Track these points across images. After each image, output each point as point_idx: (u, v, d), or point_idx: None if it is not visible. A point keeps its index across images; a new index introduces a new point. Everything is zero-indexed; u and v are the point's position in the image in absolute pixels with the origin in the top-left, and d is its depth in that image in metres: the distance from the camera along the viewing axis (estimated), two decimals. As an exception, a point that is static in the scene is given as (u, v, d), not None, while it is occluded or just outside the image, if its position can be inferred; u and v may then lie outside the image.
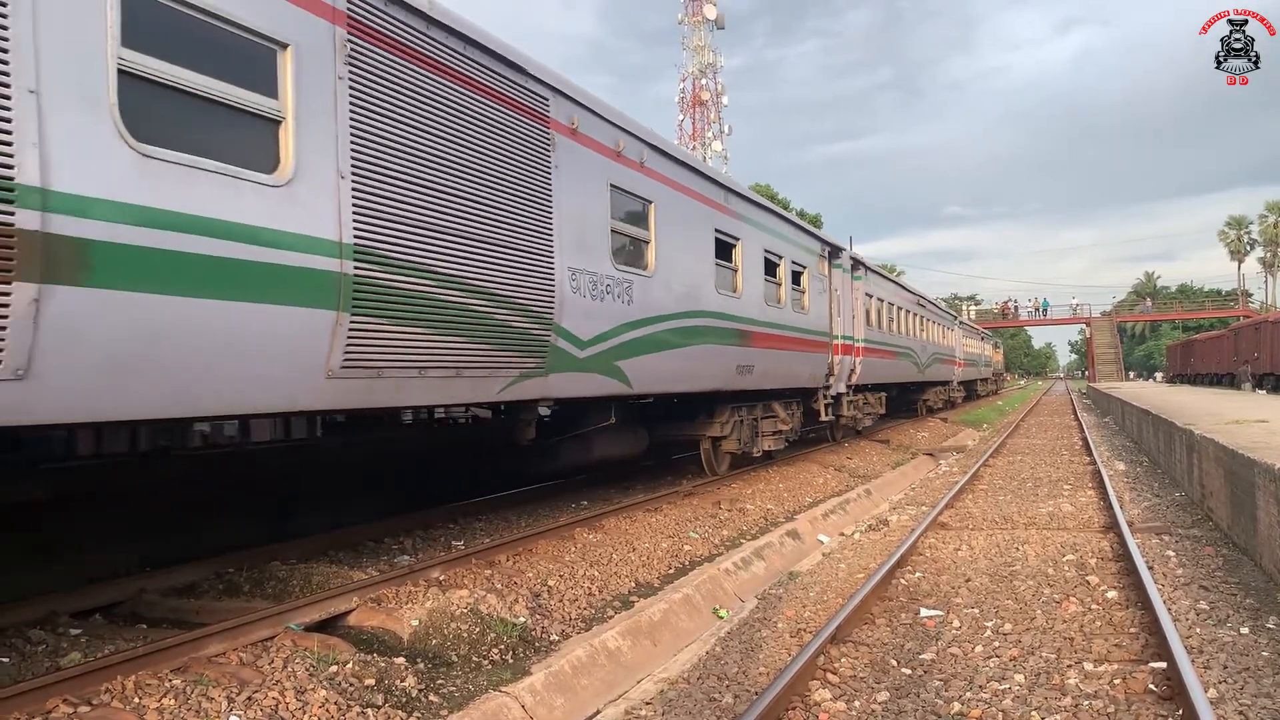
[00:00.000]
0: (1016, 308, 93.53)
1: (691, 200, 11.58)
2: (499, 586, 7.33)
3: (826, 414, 18.10)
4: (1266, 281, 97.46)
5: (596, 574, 8.30)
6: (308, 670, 5.27)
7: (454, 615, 6.51)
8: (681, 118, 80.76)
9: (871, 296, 21.34)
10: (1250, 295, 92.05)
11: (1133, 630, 6.90)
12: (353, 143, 5.99)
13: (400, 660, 5.75)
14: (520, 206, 7.80)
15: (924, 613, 7.59)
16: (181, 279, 4.86)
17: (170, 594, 6.96)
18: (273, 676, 5.14)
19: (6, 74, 4.10)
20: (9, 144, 4.10)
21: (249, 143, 5.43)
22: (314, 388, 5.91)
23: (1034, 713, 5.39)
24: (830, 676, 6.06)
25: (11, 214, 4.07)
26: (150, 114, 4.79)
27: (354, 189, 5.96)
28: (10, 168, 4.08)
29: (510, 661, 6.16)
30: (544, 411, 9.51)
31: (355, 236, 5.93)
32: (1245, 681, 5.75)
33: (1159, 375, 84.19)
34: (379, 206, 6.16)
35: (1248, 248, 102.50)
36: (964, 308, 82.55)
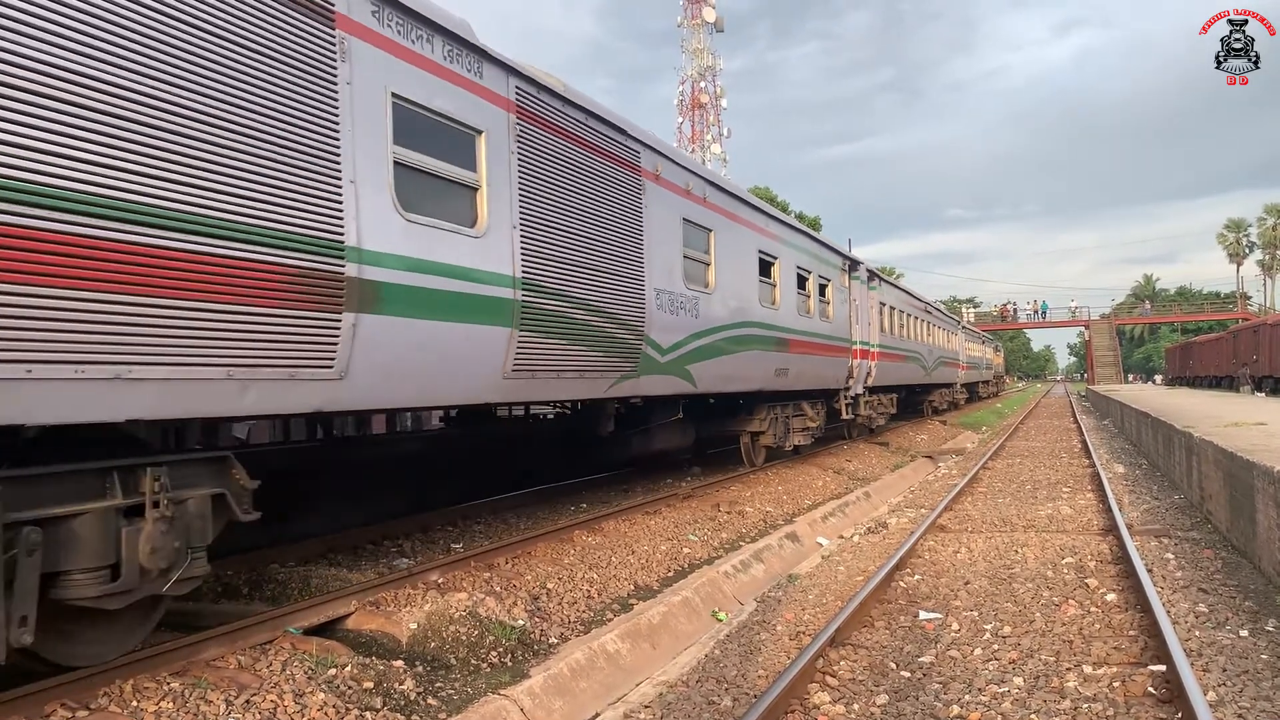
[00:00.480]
0: (1015, 310, 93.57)
1: (741, 226, 13.43)
2: (498, 589, 7.33)
3: (847, 413, 19.74)
4: (1265, 284, 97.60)
5: (595, 577, 8.30)
6: (306, 673, 5.26)
7: (453, 618, 6.51)
8: (680, 120, 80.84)
9: (884, 305, 22.83)
10: (1249, 298, 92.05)
11: (1132, 633, 6.90)
12: (519, 200, 7.84)
13: (399, 663, 5.74)
14: (622, 240, 9.63)
15: (923, 615, 7.58)
16: (430, 307, 6.69)
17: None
18: (271, 680, 5.14)
19: (339, 173, 5.89)
20: (341, 219, 5.87)
21: (460, 206, 7.24)
22: (495, 386, 7.76)
23: (1033, 716, 5.39)
24: (829, 679, 6.06)
25: (343, 266, 5.86)
26: (409, 190, 6.56)
27: (521, 236, 7.82)
28: (342, 235, 5.87)
29: (509, 664, 6.16)
30: (636, 401, 11.57)
31: (522, 271, 7.76)
32: (1244, 684, 5.75)
33: (1158, 378, 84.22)
34: (536, 248, 7.99)
35: (1246, 250, 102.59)
36: (963, 310, 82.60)
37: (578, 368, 8.85)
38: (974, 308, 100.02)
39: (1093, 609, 7.62)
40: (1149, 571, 8.46)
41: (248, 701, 4.86)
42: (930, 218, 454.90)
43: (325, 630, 6.29)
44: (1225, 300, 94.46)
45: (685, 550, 9.78)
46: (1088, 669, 6.14)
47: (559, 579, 8.02)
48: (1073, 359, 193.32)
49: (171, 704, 4.75)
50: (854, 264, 20.10)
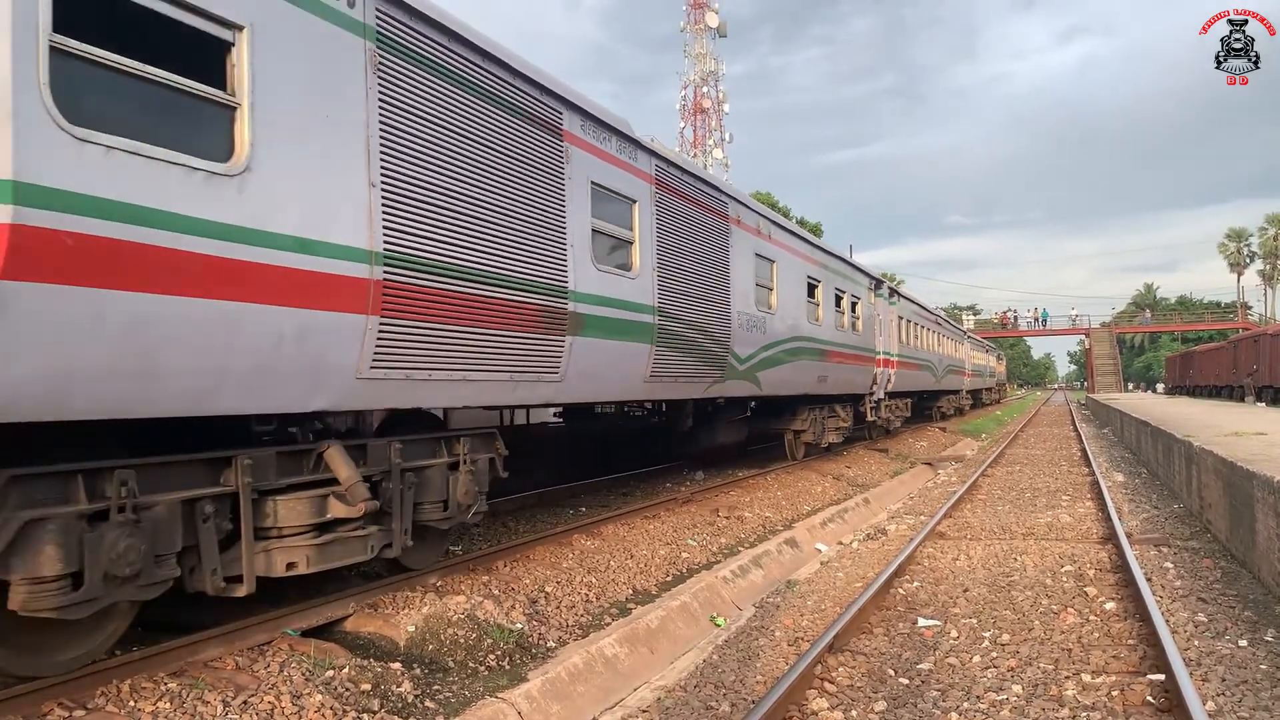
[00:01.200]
0: (1016, 318, 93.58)
1: (795, 257, 15.86)
2: (496, 593, 7.32)
3: (871, 415, 22.15)
4: (1266, 294, 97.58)
5: (594, 581, 8.29)
6: (304, 675, 5.26)
7: (451, 621, 6.50)
8: (682, 125, 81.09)
9: (901, 318, 25.18)
10: (1249, 308, 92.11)
11: (1131, 642, 6.89)
12: (657, 249, 10.30)
13: (397, 666, 5.73)
14: (718, 274, 12.10)
15: (922, 622, 7.57)
16: (608, 330, 9.11)
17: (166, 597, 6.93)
18: (269, 681, 5.14)
19: (565, 240, 8.28)
20: (566, 271, 8.26)
21: (623, 256, 9.69)
22: (639, 387, 10.34)
23: (1031, 724, 5.38)
24: (828, 686, 6.05)
25: (566, 304, 8.26)
26: (598, 247, 8.96)
27: (657, 275, 10.27)
28: (566, 282, 8.27)
29: (507, 668, 6.15)
30: (720, 401, 14.35)
31: (658, 301, 10.21)
32: (1243, 694, 5.74)
33: (1159, 386, 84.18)
34: (666, 283, 10.47)
35: (1247, 260, 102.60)
36: (963, 317, 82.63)
37: (689, 374, 11.29)
38: (974, 315, 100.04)
39: (1092, 617, 7.62)
40: (1148, 580, 8.45)
41: (245, 703, 4.86)
42: (932, 224, 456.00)
43: (323, 632, 6.29)
44: (1226, 310, 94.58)
45: (684, 555, 9.77)
46: (1087, 677, 6.14)
47: (557, 583, 8.01)
48: (1073, 367, 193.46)
49: (169, 704, 4.75)
50: (878, 283, 22.71)
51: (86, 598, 4.64)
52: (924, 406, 35.28)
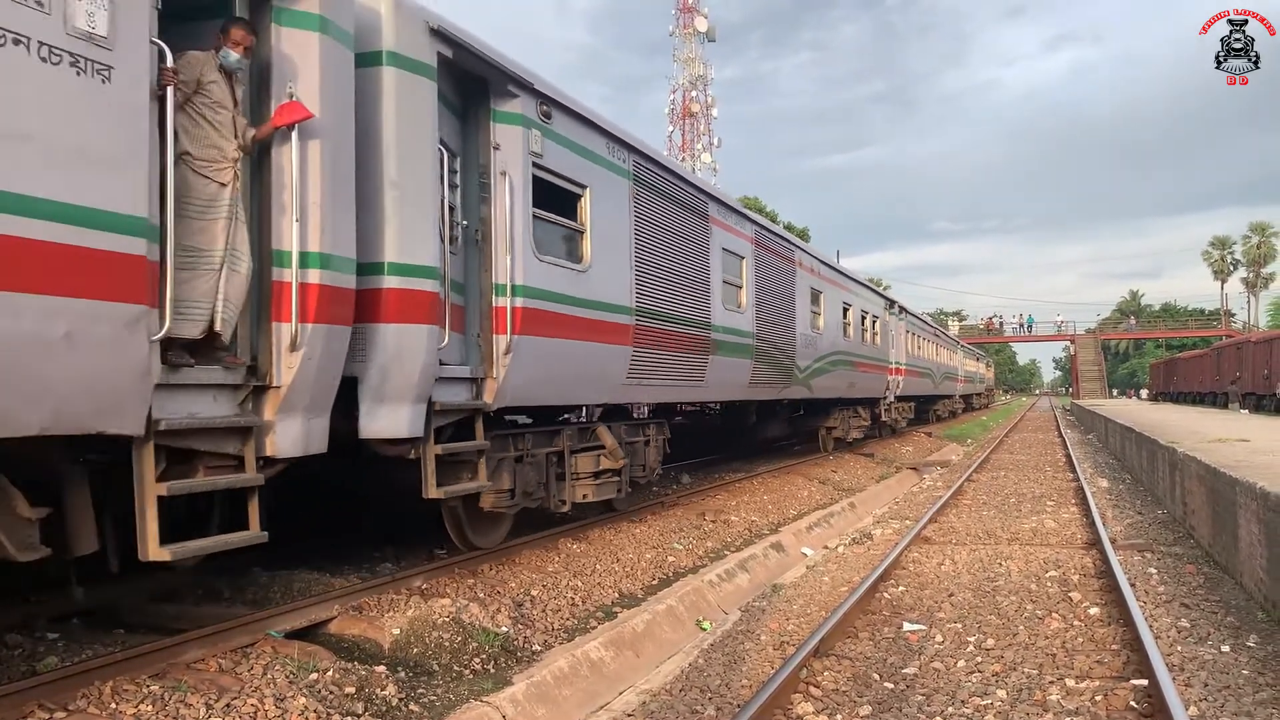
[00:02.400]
0: (1001, 323, 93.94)
1: (836, 287, 20.02)
2: (482, 596, 7.30)
3: (885, 415, 26.34)
4: (1249, 301, 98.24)
5: (580, 584, 8.28)
6: (287, 677, 5.23)
7: (436, 624, 6.47)
8: (671, 129, 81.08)
9: (908, 331, 29.30)
10: (1233, 315, 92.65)
11: (1114, 647, 6.92)
12: (755, 290, 14.17)
13: (381, 669, 5.70)
14: (787, 307, 16.00)
15: (907, 627, 7.59)
16: (729, 350, 12.74)
17: (149, 599, 6.89)
18: (252, 683, 5.10)
19: (709, 289, 12.14)
20: (709, 313, 12.04)
21: (737, 297, 13.52)
22: (743, 391, 14.35)
23: (1016, 729, 5.40)
24: (813, 690, 6.05)
25: (709, 334, 12.02)
26: (725, 293, 12.70)
27: (755, 310, 14.07)
28: (709, 318, 11.98)
29: (492, 671, 6.13)
30: (785, 402, 18.51)
31: (756, 328, 14.06)
32: (1226, 700, 5.77)
33: (1144, 393, 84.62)
34: (761, 315, 14.34)
35: (1231, 268, 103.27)
36: (949, 323, 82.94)
37: (771, 380, 15.21)
38: (960, 320, 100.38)
39: (1076, 622, 7.64)
40: (1132, 586, 8.48)
41: (228, 705, 4.82)
42: (919, 230, 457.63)
43: (307, 634, 6.24)
44: (1209, 317, 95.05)
45: (670, 559, 9.76)
46: (1070, 682, 6.16)
47: (543, 586, 7.99)
48: (1057, 373, 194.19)
49: (151, 706, 4.71)
50: (891, 302, 27.12)
51: (515, 502, 8.22)
52: (922, 409, 37.31)
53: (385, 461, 7.04)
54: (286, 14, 5.67)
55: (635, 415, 11.65)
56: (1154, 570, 9.63)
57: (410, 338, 6.57)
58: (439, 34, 6.85)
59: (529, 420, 9.31)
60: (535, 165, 8.12)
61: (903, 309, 28.91)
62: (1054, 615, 7.84)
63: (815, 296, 17.92)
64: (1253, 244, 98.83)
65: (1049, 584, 9.05)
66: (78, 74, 4.30)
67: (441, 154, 7.02)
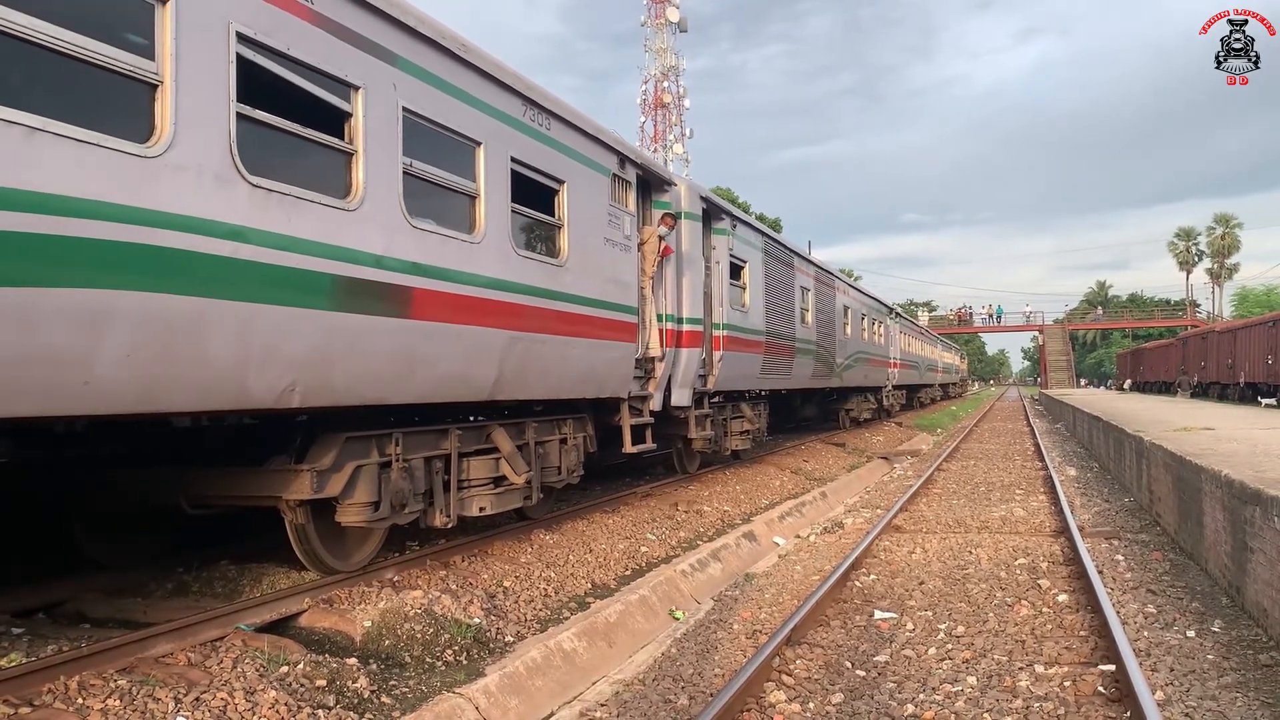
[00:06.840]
0: (971, 314, 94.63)
1: (857, 301, 25.77)
2: (454, 587, 7.26)
3: (886, 401, 31.91)
4: (1214, 292, 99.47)
5: (553, 575, 8.26)
6: (258, 671, 5.18)
7: (408, 616, 6.44)
8: (643, 120, 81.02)
9: (901, 332, 35.32)
10: (1198, 305, 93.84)
11: (1083, 633, 7.00)
12: (816, 310, 19.91)
13: (353, 661, 5.66)
14: (831, 319, 21.47)
15: (878, 615, 7.64)
16: (803, 353, 18.85)
17: (116, 593, 6.81)
18: (222, 677, 5.05)
19: (794, 315, 18.40)
20: (794, 327, 18.24)
21: (804, 315, 19.11)
22: (808, 382, 20.20)
23: (986, 714, 5.45)
24: (785, 678, 6.08)
25: (795, 343, 18.08)
26: (799, 319, 18.75)
27: (816, 324, 19.81)
28: (795, 333, 18.26)
29: (464, 662, 6.11)
30: (824, 389, 23.86)
31: (816, 337, 19.74)
32: (1191, 684, 5.86)
33: (1112, 383, 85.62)
34: (818, 330, 20.14)
35: (1196, 259, 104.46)
36: (919, 314, 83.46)
37: (821, 374, 20.67)
38: (930, 311, 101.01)
39: (1045, 609, 7.72)
40: (1099, 573, 8.59)
41: (197, 699, 4.77)
42: (888, 222, 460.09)
43: (278, 628, 6.19)
44: (1175, 307, 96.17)
45: (643, 549, 9.77)
46: (1039, 668, 6.22)
47: (516, 577, 7.97)
48: (1026, 363, 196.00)
49: (118, 701, 4.65)
50: (890, 309, 33.31)
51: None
52: (909, 396, 42.63)
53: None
54: (657, 203, 11.73)
55: (749, 396, 16.73)
56: (1121, 557, 9.75)
57: (691, 356, 12.26)
58: (704, 198, 13.05)
59: (718, 400, 14.81)
60: (730, 255, 14.12)
61: (898, 314, 35.98)
62: (1023, 602, 7.91)
63: (845, 310, 23.71)
64: (1217, 235, 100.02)
65: (1018, 571, 9.14)
66: (624, 251, 10.33)
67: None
